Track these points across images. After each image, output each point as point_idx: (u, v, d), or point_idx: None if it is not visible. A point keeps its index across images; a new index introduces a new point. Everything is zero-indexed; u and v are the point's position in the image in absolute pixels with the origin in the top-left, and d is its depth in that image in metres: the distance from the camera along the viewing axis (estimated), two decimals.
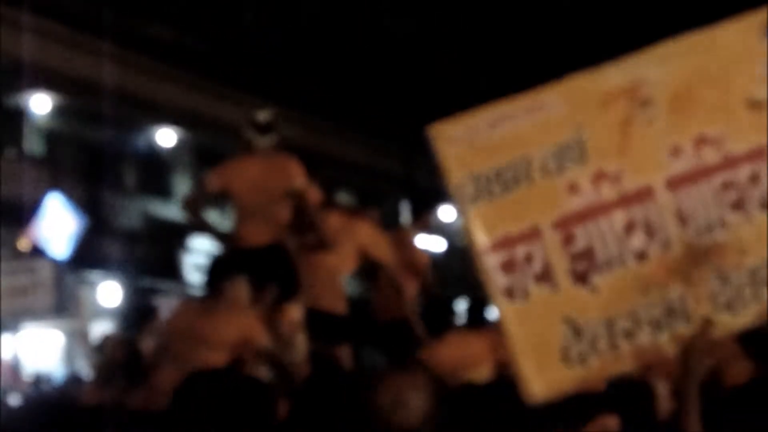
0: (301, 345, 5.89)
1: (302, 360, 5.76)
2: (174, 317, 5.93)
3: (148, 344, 6.69)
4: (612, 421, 3.55)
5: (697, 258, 2.99)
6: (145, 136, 19.33)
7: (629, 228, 3.01)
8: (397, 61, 25.40)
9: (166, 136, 19.59)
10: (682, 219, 3.02)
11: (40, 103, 17.08)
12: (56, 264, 13.50)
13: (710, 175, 3.03)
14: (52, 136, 17.88)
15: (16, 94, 16.52)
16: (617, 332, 2.97)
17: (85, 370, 15.68)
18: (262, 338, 5.59)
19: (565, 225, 3.00)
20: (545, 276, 2.98)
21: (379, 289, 7.31)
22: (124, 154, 18.55)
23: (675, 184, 3.03)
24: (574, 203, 3.01)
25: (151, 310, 9.06)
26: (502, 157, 3.02)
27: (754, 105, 3.05)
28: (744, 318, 2.97)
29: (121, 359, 6.33)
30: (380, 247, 6.95)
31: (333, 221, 6.68)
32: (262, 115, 6.48)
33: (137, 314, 8.01)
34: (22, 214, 14.37)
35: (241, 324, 5.62)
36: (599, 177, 3.02)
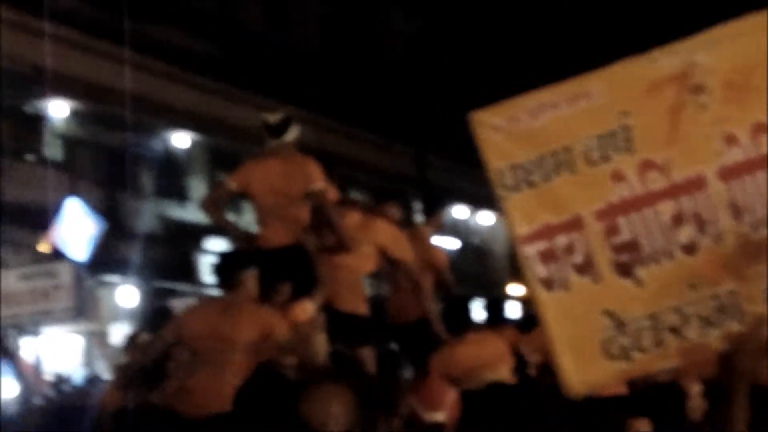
0: (320, 345, 5.87)
1: (320, 360, 5.72)
2: (194, 320, 5.87)
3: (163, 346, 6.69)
4: (644, 425, 3.49)
5: (751, 253, 2.83)
6: (162, 139, 19.40)
7: (677, 219, 2.87)
8: (410, 63, 25.42)
9: (181, 140, 19.69)
10: (736, 211, 2.86)
11: (58, 109, 17.14)
12: (76, 267, 13.53)
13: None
14: (70, 141, 17.95)
15: (35, 100, 16.59)
16: (663, 327, 2.85)
17: (104, 371, 15.79)
18: (282, 331, 5.64)
19: (609, 215, 2.89)
20: (587, 267, 2.89)
21: (398, 289, 7.20)
22: (140, 157, 18.62)
23: (729, 174, 2.87)
24: (619, 193, 2.89)
25: (167, 311, 9.10)
26: (544, 146, 2.92)
27: None
28: None
29: (147, 360, 6.36)
30: (399, 246, 6.87)
31: (351, 221, 6.66)
32: (272, 117, 6.51)
33: (154, 316, 8.06)
34: (41, 218, 14.42)
35: (261, 320, 5.67)
36: (646, 166, 2.89)
